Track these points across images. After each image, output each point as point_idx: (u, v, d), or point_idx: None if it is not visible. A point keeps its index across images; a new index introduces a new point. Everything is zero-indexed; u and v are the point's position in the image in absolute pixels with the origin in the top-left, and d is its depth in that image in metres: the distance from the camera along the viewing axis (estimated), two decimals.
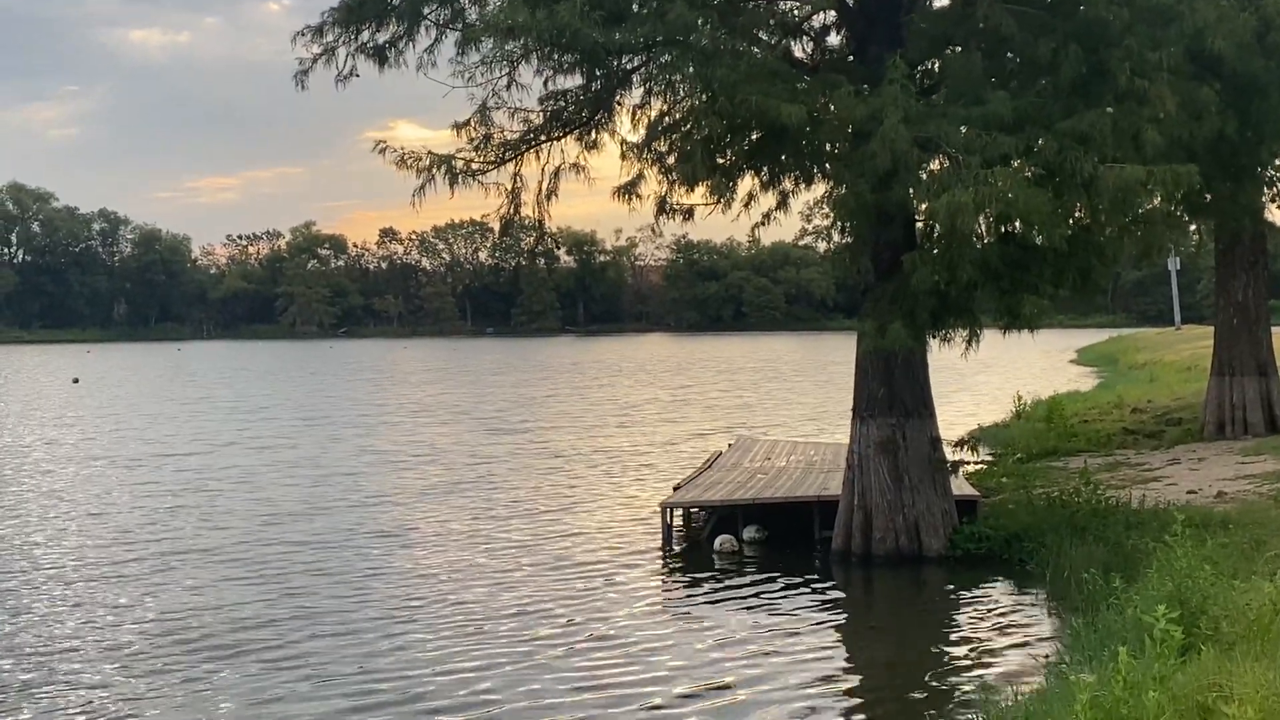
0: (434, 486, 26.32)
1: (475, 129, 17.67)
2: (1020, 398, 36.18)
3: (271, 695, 12.17)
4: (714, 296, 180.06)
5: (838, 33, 18.71)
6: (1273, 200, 24.78)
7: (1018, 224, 15.23)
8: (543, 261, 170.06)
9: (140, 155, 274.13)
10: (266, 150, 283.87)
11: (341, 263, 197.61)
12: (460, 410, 47.31)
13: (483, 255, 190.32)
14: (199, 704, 11.94)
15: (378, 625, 14.74)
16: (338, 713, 11.67)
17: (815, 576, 17.22)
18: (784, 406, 46.36)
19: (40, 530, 21.67)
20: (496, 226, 19.43)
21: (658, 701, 11.80)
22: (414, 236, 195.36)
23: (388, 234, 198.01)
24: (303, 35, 17.67)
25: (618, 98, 17.79)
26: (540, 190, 18.38)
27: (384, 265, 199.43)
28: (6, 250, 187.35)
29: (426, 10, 17.39)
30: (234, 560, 18.70)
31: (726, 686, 12.24)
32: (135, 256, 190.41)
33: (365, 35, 17.64)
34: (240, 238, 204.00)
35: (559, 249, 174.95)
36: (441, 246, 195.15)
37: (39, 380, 76.07)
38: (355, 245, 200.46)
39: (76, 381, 71.91)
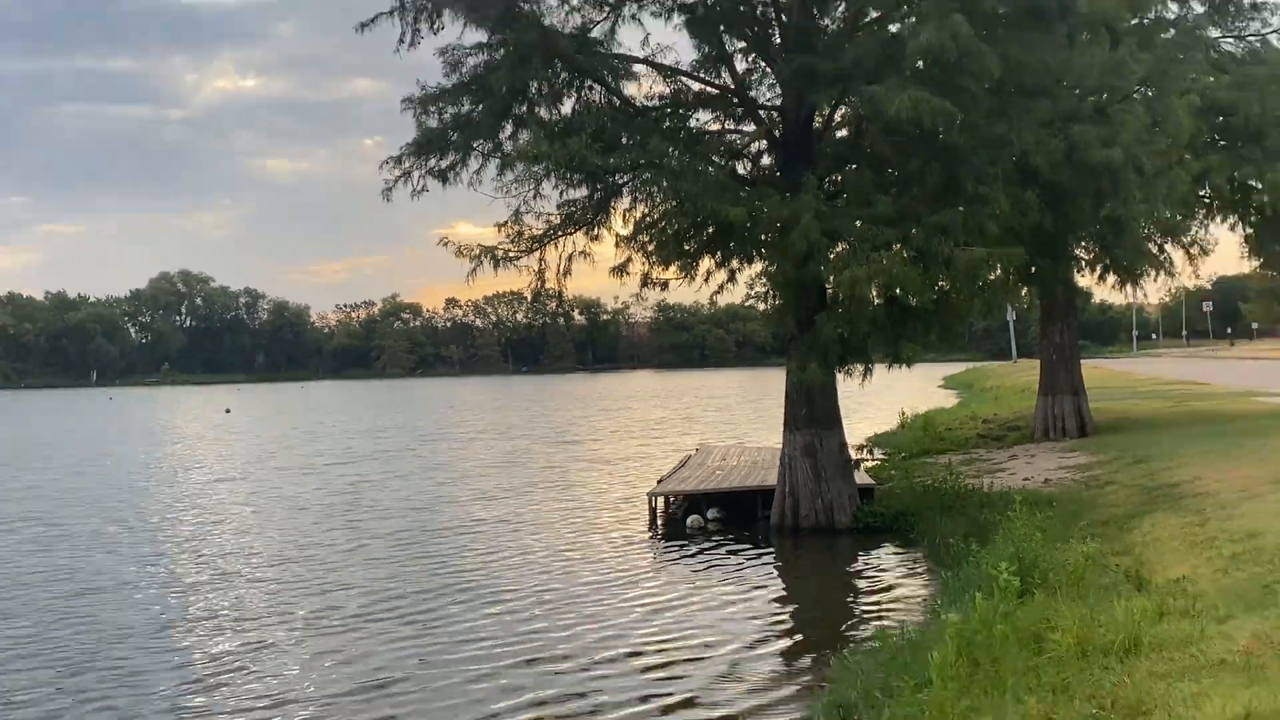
0: (513, 486, 25.38)
1: (511, 227, 17.68)
2: (904, 413, 36.21)
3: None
4: (685, 343, 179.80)
5: (769, 156, 18.83)
6: (1079, 271, 24.92)
7: (898, 291, 15.30)
8: (562, 320, 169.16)
9: (274, 248, 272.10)
10: (364, 243, 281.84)
11: (418, 323, 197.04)
12: (523, 429, 46.19)
13: (519, 315, 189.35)
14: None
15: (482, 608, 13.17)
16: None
17: (759, 545, 17.09)
18: (757, 420, 44.90)
19: (242, 533, 19.68)
20: (528, 296, 19.39)
21: (640, 632, 11.70)
22: (470, 303, 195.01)
23: (451, 302, 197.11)
24: (387, 163, 17.66)
25: (612, 204, 17.84)
26: (559, 270, 18.35)
27: (449, 324, 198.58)
28: (178, 318, 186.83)
29: (475, 144, 17.45)
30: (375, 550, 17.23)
31: (692, 624, 12.12)
32: (270, 321, 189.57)
33: (432, 162, 17.68)
34: (345, 305, 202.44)
35: (573, 311, 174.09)
36: (490, 310, 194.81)
37: (202, 410, 75.06)
38: (428, 310, 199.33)
39: (229, 411, 69.34)
